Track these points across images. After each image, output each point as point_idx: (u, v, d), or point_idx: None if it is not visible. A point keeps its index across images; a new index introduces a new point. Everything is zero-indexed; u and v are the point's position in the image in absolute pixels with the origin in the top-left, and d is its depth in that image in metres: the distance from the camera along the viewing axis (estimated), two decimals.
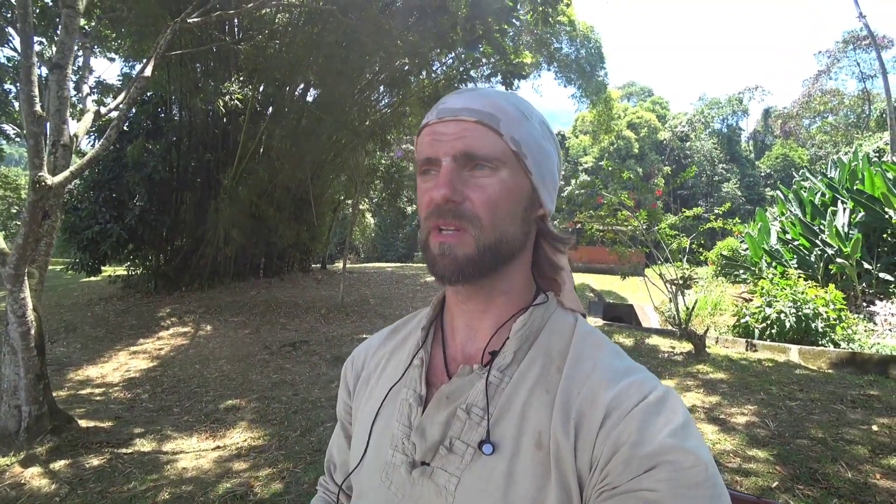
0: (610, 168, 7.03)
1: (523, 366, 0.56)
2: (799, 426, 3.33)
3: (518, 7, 7.75)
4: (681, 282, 6.75)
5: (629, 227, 7.53)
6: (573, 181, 32.06)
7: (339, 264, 13.57)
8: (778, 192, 12.91)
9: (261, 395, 4.64)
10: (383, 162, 13.98)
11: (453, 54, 8.99)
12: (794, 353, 5.36)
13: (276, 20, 9.16)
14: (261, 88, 9.97)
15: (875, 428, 3.22)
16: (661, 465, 0.44)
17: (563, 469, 0.49)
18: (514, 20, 7.75)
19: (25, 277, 3.10)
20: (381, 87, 11.42)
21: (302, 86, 10.78)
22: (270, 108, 10.45)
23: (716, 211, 7.24)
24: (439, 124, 0.55)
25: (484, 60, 8.04)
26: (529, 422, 0.52)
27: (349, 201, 13.89)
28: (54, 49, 3.83)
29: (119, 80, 10.29)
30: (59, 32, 3.61)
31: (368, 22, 7.22)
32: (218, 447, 3.44)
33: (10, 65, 8.74)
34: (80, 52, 5.04)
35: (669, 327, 7.61)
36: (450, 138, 0.54)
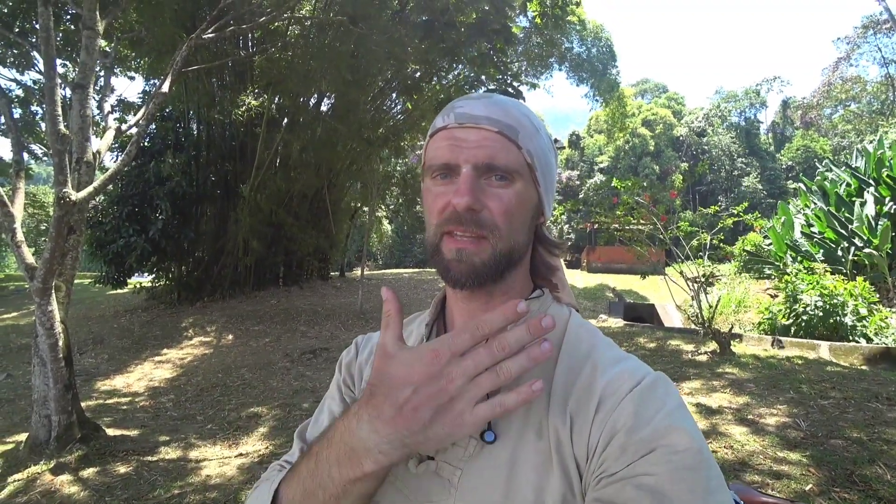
0: (623, 186, 6.93)
1: None
2: (833, 426, 3.20)
3: (524, 13, 7.74)
4: (702, 279, 6.60)
5: (646, 226, 7.41)
6: (588, 181, 31.84)
7: (358, 271, 13.68)
8: (800, 184, 12.57)
9: (282, 402, 4.69)
10: (399, 168, 14.08)
11: (462, 66, 9.07)
12: (824, 349, 5.18)
13: (289, 32, 9.32)
14: (276, 100, 10.14)
15: None
16: (657, 448, 0.44)
17: (564, 457, 0.49)
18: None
19: (53, 291, 3.20)
20: (394, 95, 11.53)
21: (316, 96, 10.94)
22: (286, 119, 10.62)
23: (731, 210, 7.07)
24: (459, 130, 0.56)
25: (492, 71, 8.10)
26: (530, 411, 0.53)
27: (366, 208, 14.01)
28: (76, 70, 3.97)
29: (139, 98, 10.61)
30: (80, 54, 3.73)
31: (379, 31, 7.29)
32: (240, 454, 3.47)
33: (35, 87, 9.06)
34: (102, 72, 5.20)
35: (693, 326, 7.44)
36: (471, 146, 0.54)
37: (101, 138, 4.37)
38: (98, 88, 5.39)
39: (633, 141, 34.79)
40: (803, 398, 3.78)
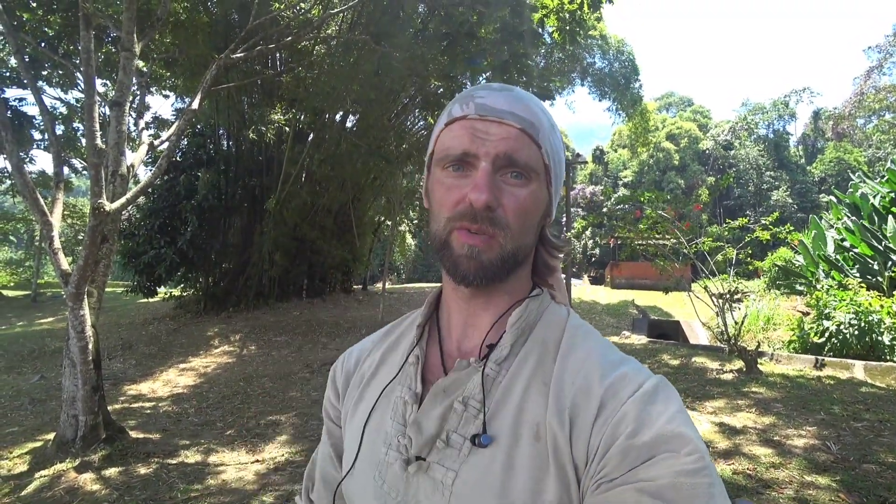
0: (647, 197, 6.80)
1: (520, 358, 0.55)
2: (866, 449, 3.05)
3: (543, 31, 7.81)
4: (728, 295, 6.42)
5: (671, 240, 7.27)
6: (613, 196, 31.47)
7: (380, 285, 13.80)
8: (832, 197, 12.14)
9: (300, 411, 4.74)
10: (422, 184, 14.21)
11: (484, 77, 9.15)
12: (858, 368, 4.95)
13: (315, 52, 9.64)
14: (301, 117, 10.45)
15: None
16: (658, 454, 0.43)
17: (561, 460, 0.48)
18: (539, 45, 7.81)
19: (85, 296, 3.35)
20: (416, 111, 11.73)
21: (341, 113, 11.23)
22: (311, 135, 10.92)
23: (762, 221, 6.85)
24: (480, 122, 0.54)
25: (515, 76, 8.14)
26: (527, 413, 0.52)
27: (389, 222, 14.18)
28: (114, 89, 4.21)
29: (173, 115, 11.09)
30: (118, 74, 3.95)
31: (401, 49, 7.48)
32: (258, 461, 3.52)
33: (77, 105, 9.58)
34: (138, 91, 5.48)
35: (718, 344, 7.22)
36: (494, 139, 0.52)
37: (136, 153, 4.60)
38: (134, 106, 5.68)
39: (657, 155, 34.34)
40: (834, 420, 3.62)
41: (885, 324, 5.62)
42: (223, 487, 3.04)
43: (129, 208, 11.28)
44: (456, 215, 0.53)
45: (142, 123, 5.52)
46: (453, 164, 0.54)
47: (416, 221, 16.09)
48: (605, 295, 16.48)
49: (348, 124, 11.70)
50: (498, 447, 0.51)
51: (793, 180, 36.24)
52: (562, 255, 0.64)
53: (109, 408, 3.85)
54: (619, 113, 16.33)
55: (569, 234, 11.57)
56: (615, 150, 40.10)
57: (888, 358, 5.41)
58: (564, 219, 13.98)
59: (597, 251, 32.98)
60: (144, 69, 6.65)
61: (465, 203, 0.52)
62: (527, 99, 0.56)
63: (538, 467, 0.49)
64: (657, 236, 7.19)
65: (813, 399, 4.14)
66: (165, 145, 4.66)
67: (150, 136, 8.77)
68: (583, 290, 19.26)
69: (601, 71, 14.85)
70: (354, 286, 14.48)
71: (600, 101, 15.71)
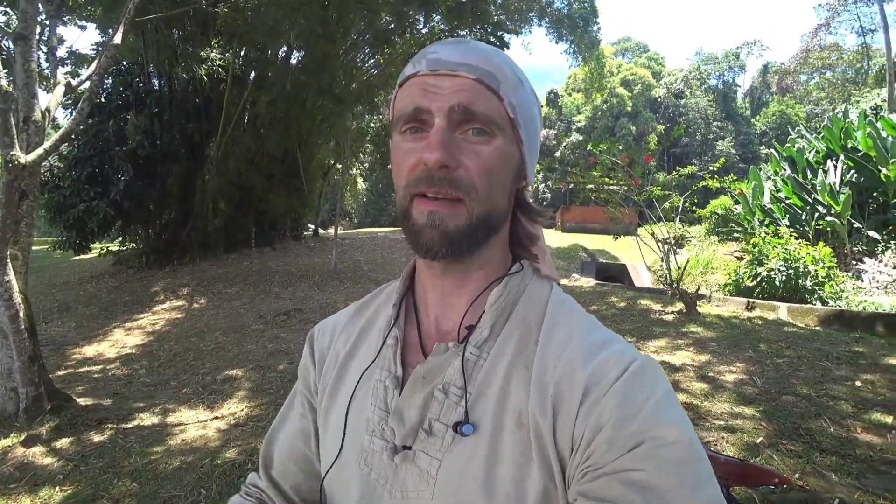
0: (599, 149, 6.89)
1: (500, 340, 0.53)
2: (785, 383, 3.41)
3: None
4: (672, 241, 6.77)
5: (622, 187, 7.48)
6: (565, 140, 31.72)
7: (332, 231, 13.51)
8: (772, 150, 12.81)
9: (256, 364, 4.69)
10: (373, 125, 13.66)
11: (437, 16, 8.64)
12: (783, 310, 5.45)
13: None
14: (241, 53, 9.59)
15: (859, 384, 3.31)
16: (645, 442, 0.43)
17: (544, 449, 0.47)
18: None
19: (9, 260, 3.05)
20: (367, 48, 11.03)
21: (284, 49, 10.39)
22: (253, 74, 10.10)
23: (710, 168, 7.18)
24: (432, 77, 0.49)
25: (471, 20, 7.73)
26: (510, 399, 0.50)
27: (339, 166, 13.68)
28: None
29: (93, 50, 9.86)
30: (20, 1, 3.40)
31: None
32: (217, 417, 3.49)
33: None
34: (48, 22, 4.78)
35: (662, 287, 7.70)
36: (446, 92, 0.48)
37: (51, 95, 4.07)
38: (45, 39, 4.97)
39: (610, 101, 34.54)
40: (761, 357, 4.01)
41: (809, 270, 6.16)
42: (185, 447, 3.00)
43: (51, 158, 10.21)
44: (413, 181, 0.49)
45: (52, 59, 4.86)
46: (408, 125, 0.50)
47: (367, 165, 15.62)
48: (556, 238, 16.98)
49: (293, 61, 10.87)
50: (481, 436, 0.50)
51: (738, 131, 37.80)
52: (543, 221, 0.61)
53: (53, 375, 3.65)
54: (577, 56, 16.08)
55: None
56: (570, 94, 39.94)
57: (808, 300, 5.99)
58: None
59: (548, 195, 33.61)
60: None
61: (421, 166, 0.48)
62: (486, 50, 0.52)
63: (521, 454, 0.48)
64: (609, 182, 7.36)
65: (743, 338, 4.55)
66: (86, 85, 4.15)
67: (66, 74, 7.82)
68: None
69: (559, 11, 14.40)
70: (305, 233, 14.11)
71: (557, 43, 15.34)
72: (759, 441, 2.61)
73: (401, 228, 0.53)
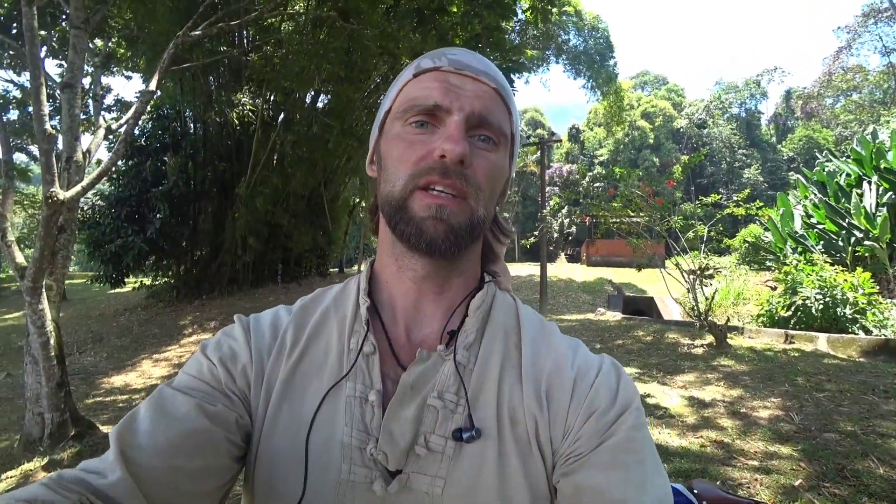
0: (620, 173, 6.90)
1: (485, 343, 0.53)
2: (827, 419, 3.18)
3: (517, 6, 7.68)
4: (699, 271, 6.57)
5: (644, 218, 7.37)
6: (588, 175, 31.74)
7: (357, 268, 13.68)
8: (800, 175, 12.49)
9: None
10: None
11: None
12: (822, 341, 5.16)
13: (283, 29, 9.29)
14: (270, 98, 10.12)
15: None
16: (619, 428, 0.48)
17: (541, 441, 0.49)
18: (512, 15, 7.67)
19: (44, 290, 3.20)
20: None
21: (311, 93, 10.92)
22: (281, 117, 10.61)
23: (734, 198, 7.02)
24: (455, 75, 0.50)
25: (488, 50, 8.00)
26: (504, 401, 0.50)
27: (364, 204, 14.02)
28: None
29: (136, 97, 10.60)
30: (68, 53, 3.72)
31: (372, 26, 7.26)
32: None
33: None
34: (93, 72, 5.18)
35: (690, 319, 7.42)
36: (469, 95, 0.49)
37: (94, 137, 4.37)
38: (90, 87, 5.38)
39: (632, 134, 34.65)
40: (798, 391, 3.76)
41: (847, 298, 5.85)
42: None
43: (93, 197, 10.84)
44: (421, 171, 0.47)
45: (97, 105, 5.24)
46: (419, 118, 0.49)
47: None
48: (581, 272, 16.75)
49: (319, 105, 11.39)
50: (487, 439, 0.48)
51: (764, 158, 37.18)
52: (508, 242, 0.63)
53: (81, 403, 3.74)
54: (595, 91, 16.35)
55: (544, 211, 11.67)
56: (591, 129, 40.25)
57: (849, 330, 5.65)
58: (540, 197, 14.05)
59: (573, 229, 33.39)
60: (101, 48, 6.28)
61: (433, 157, 0.47)
62: (493, 66, 0.54)
63: (523, 452, 0.49)
64: (631, 214, 7.28)
65: (778, 371, 4.29)
66: (123, 129, 4.44)
67: (111, 119, 8.39)
68: (559, 267, 19.53)
69: (576, 48, 14.77)
70: (330, 269, 14.34)
71: (575, 79, 15.70)
72: (797, 483, 2.41)
73: (392, 222, 0.50)
